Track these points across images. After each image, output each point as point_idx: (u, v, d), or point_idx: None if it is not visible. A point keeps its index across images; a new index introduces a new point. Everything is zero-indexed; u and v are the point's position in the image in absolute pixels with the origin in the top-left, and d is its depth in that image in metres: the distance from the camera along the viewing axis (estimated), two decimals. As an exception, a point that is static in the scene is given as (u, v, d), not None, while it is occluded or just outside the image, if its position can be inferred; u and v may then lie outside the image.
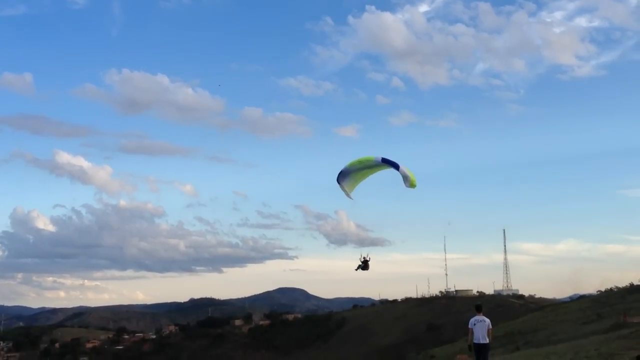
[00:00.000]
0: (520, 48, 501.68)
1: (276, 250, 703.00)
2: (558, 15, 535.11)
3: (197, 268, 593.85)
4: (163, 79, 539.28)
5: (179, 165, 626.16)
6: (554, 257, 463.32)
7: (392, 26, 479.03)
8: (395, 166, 29.49)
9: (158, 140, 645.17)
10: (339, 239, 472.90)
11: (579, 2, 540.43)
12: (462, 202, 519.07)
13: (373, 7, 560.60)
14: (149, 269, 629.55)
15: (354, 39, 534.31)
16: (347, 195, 32.25)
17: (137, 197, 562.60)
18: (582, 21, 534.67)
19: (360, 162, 30.86)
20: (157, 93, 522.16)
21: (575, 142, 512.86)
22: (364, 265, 31.84)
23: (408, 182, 28.86)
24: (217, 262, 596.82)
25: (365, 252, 31.95)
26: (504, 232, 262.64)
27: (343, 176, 31.46)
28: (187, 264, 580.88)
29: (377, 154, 29.44)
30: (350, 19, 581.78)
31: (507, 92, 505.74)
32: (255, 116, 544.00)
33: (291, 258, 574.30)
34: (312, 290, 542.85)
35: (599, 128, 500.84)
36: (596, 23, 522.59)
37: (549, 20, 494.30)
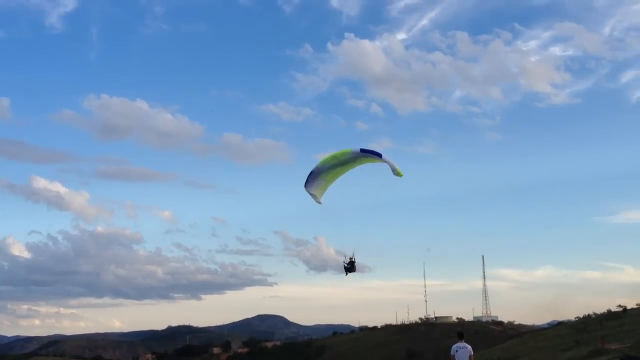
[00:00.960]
0: (496, 76, 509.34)
1: (255, 277, 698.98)
2: (533, 44, 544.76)
3: (175, 295, 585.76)
4: (142, 105, 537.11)
5: (157, 191, 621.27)
6: (533, 283, 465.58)
7: (370, 53, 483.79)
8: (378, 155, 27.68)
9: (136, 165, 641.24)
10: (318, 265, 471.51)
11: (553, 32, 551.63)
12: (441, 228, 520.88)
13: (352, 35, 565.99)
14: (126, 296, 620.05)
15: (334, 66, 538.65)
16: (316, 199, 30.32)
17: (114, 223, 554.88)
18: (556, 50, 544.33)
19: (334, 157, 28.72)
20: (136, 118, 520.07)
21: (551, 169, 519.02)
22: (351, 267, 30.46)
23: (396, 170, 27.47)
24: (195, 288, 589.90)
25: (349, 253, 30.99)
26: (483, 259, 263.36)
27: (313, 177, 29.51)
28: (164, 291, 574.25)
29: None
30: (330, 46, 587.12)
31: (484, 119, 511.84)
32: (234, 142, 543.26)
33: (270, 285, 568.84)
34: (291, 317, 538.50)
35: (575, 155, 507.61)
36: (570, 52, 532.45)
37: (524, 49, 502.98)
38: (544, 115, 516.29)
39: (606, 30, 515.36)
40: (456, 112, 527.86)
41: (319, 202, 30.74)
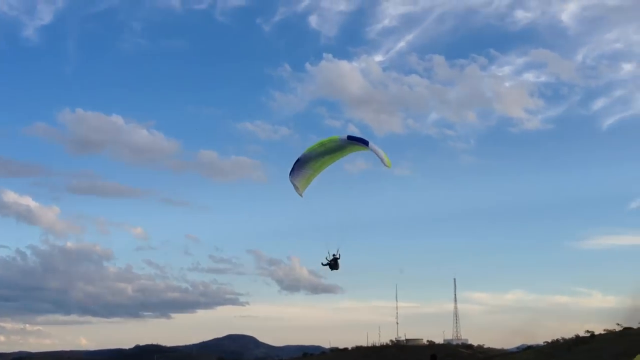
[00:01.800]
0: (472, 100, 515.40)
1: (227, 296, 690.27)
2: (508, 69, 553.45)
3: (144, 313, 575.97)
4: (117, 120, 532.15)
5: (130, 207, 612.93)
6: (503, 307, 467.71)
7: (348, 74, 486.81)
8: (365, 142, 27.08)
9: (110, 181, 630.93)
10: (291, 285, 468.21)
11: (527, 58, 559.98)
12: (414, 250, 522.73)
13: (330, 55, 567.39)
14: (94, 313, 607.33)
15: (312, 86, 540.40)
16: (298, 191, 29.27)
17: (85, 238, 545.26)
18: (530, 76, 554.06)
19: (321, 144, 27.88)
20: (111, 133, 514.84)
21: (524, 194, 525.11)
22: (334, 263, 29.32)
23: (384, 160, 27.09)
24: (165, 307, 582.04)
25: (334, 250, 29.58)
26: (455, 281, 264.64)
27: (300, 165, 28.36)
28: (134, 309, 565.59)
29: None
30: (308, 66, 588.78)
31: (459, 142, 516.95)
32: (210, 159, 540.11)
33: (242, 304, 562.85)
34: (262, 338, 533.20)
35: (547, 180, 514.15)
36: (544, 78, 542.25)
37: (499, 74, 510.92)
38: (517, 140, 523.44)
39: (579, 57, 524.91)
40: (432, 134, 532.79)
41: (300, 195, 29.66)
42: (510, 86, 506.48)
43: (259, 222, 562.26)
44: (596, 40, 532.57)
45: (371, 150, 26.58)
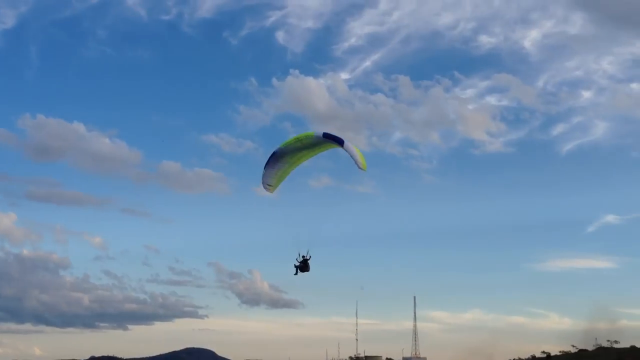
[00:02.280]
0: (435, 121, 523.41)
1: (186, 309, 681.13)
2: (471, 92, 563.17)
3: (101, 324, 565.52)
4: (79, 127, 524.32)
5: (90, 216, 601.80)
6: (461, 325, 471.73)
7: (314, 91, 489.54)
8: (340, 141, 26.60)
9: (69, 189, 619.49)
10: (251, 299, 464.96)
11: (490, 82, 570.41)
12: (375, 268, 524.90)
13: (297, 71, 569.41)
14: (48, 323, 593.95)
15: (277, 100, 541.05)
16: (268, 189, 28.23)
17: (42, 246, 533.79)
18: (493, 100, 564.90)
19: (297, 139, 27.35)
20: (72, 141, 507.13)
21: (485, 215, 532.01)
22: (304, 265, 28.67)
23: (359, 162, 26.19)
24: (122, 318, 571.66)
25: (304, 251, 29.10)
26: (415, 299, 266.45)
27: (275, 159, 27.59)
28: (90, 319, 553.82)
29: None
30: (275, 81, 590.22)
31: (422, 162, 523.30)
32: (173, 170, 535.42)
33: (201, 317, 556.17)
34: (220, 352, 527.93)
35: (507, 202, 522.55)
36: (506, 102, 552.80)
37: (463, 97, 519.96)
38: (479, 162, 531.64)
39: (540, 84, 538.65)
40: (395, 153, 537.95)
41: (271, 192, 28.94)
42: (473, 109, 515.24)
43: (220, 235, 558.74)
44: (557, 67, 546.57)
45: (346, 150, 25.79)
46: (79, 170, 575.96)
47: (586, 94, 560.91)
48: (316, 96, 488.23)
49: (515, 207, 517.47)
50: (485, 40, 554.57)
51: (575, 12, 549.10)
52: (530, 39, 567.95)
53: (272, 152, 27.23)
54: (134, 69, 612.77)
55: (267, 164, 27.40)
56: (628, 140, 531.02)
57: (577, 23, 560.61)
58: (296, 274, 28.62)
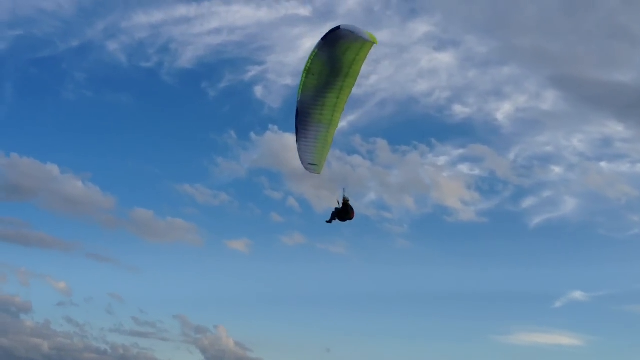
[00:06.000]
0: (410, 186, 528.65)
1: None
2: (445, 160, 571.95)
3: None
4: (53, 168, 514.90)
5: (55, 259, 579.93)
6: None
7: (292, 147, 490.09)
8: (335, 28, 19.17)
9: (37, 230, 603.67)
10: (215, 356, 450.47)
11: (465, 151, 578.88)
12: (343, 329, 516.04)
13: (276, 127, 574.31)
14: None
15: (255, 155, 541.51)
16: (310, 166, 21.68)
17: (4, 289, 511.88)
18: (467, 169, 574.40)
19: (307, 70, 20.77)
20: (44, 181, 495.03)
21: (454, 283, 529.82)
22: (344, 210, 22.77)
23: (365, 35, 18.47)
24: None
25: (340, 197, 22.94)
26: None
27: (304, 121, 20.37)
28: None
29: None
30: (253, 135, 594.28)
31: (395, 225, 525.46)
32: (145, 218, 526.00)
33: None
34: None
35: (476, 272, 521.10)
36: (480, 172, 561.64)
37: (439, 164, 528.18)
38: (451, 230, 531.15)
39: (512, 156, 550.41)
40: (369, 215, 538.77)
41: (318, 173, 21.93)
42: (448, 176, 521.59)
43: (188, 287, 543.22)
44: (528, 141, 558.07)
45: (346, 30, 18.42)
46: (48, 212, 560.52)
47: (556, 169, 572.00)
48: (293, 153, 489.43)
49: (484, 278, 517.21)
50: (459, 110, 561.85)
51: (548, 90, 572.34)
52: (502, 111, 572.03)
53: (295, 113, 20.08)
54: (111, 113, 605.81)
55: (297, 131, 20.49)
56: (597, 218, 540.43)
57: (549, 100, 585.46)
58: (330, 221, 22.93)
